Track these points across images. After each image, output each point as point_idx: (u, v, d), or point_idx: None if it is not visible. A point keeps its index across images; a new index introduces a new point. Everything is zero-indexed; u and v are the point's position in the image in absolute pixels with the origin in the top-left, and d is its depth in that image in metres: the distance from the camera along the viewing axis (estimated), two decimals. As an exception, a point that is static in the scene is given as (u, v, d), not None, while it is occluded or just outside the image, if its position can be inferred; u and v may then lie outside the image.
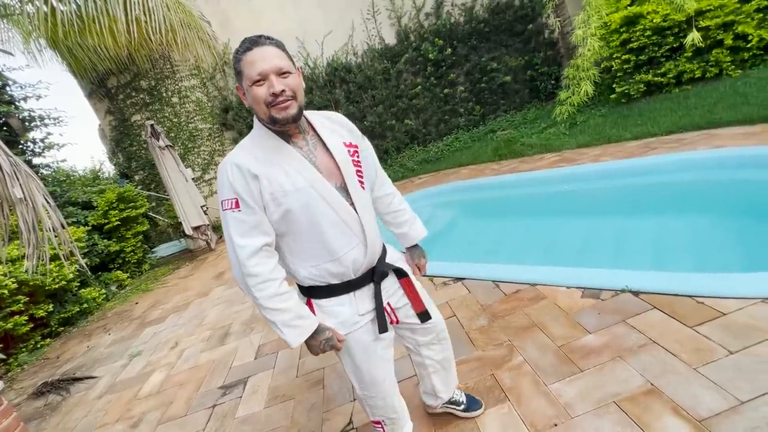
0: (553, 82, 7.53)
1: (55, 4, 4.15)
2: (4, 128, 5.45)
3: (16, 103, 5.83)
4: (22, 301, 4.02)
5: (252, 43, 0.99)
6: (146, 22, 4.14)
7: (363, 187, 1.16)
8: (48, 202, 1.79)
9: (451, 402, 1.62)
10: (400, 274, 1.29)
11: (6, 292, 3.82)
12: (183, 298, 4.57)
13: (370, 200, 1.20)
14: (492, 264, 2.75)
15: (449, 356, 1.53)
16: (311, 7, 7.60)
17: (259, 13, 7.56)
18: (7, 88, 5.80)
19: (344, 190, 1.11)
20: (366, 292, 1.20)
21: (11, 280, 3.89)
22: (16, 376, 3.77)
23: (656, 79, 5.42)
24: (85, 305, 4.94)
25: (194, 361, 2.96)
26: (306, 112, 1.14)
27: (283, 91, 0.99)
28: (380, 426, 1.37)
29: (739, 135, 3.66)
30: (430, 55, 7.45)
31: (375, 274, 1.20)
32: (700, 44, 4.80)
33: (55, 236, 1.91)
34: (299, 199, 1.03)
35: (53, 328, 4.53)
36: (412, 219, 1.43)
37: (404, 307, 1.32)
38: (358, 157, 1.16)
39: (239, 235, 1.03)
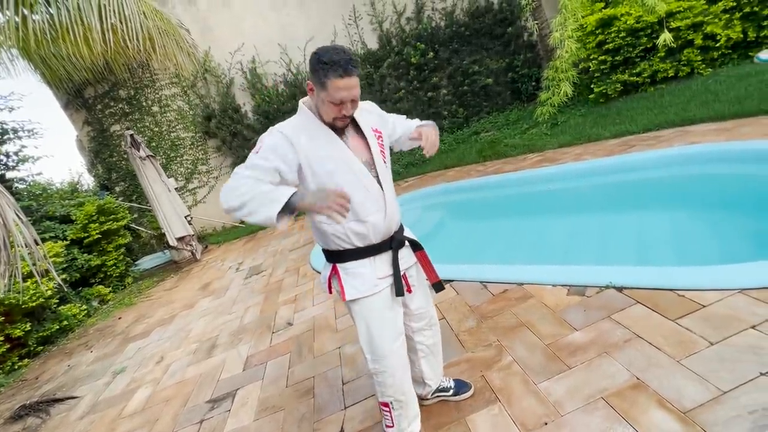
0: (533, 83, 7.68)
1: (26, 13, 4.03)
2: (-25, 142, 5.27)
3: (-12, 116, 5.64)
4: (-3, 321, 3.87)
5: (345, 71, 1.12)
6: (123, 30, 4.06)
7: (385, 163, 1.36)
8: (20, 218, 1.73)
9: (440, 390, 1.69)
10: (416, 247, 1.45)
11: (-20, 312, 3.67)
12: (168, 311, 4.46)
13: (391, 176, 1.40)
14: (479, 265, 2.77)
15: (438, 341, 1.65)
16: (293, 13, 7.59)
17: (240, 20, 7.52)
18: (-22, 101, 5.61)
19: (370, 164, 1.32)
20: (385, 258, 1.36)
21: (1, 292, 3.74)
22: (-8, 400, 3.61)
23: (632, 78, 5.57)
24: (65, 322, 4.77)
25: (180, 375, 2.89)
26: None
27: (351, 114, 1.23)
28: (388, 410, 1.43)
29: (711, 131, 3.79)
30: (413, 59, 7.52)
31: (393, 242, 1.36)
32: (672, 44, 4.97)
33: (29, 253, 1.84)
34: (334, 165, 1.24)
35: (31, 348, 4.36)
36: (417, 121, 1.58)
37: (414, 283, 1.47)
38: (382, 140, 1.38)
39: (245, 167, 1.18)
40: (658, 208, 3.33)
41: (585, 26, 5.69)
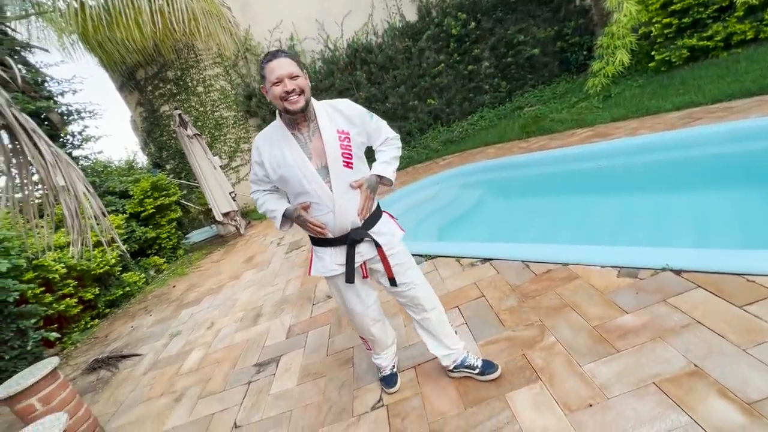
0: (585, 52, 7.12)
1: (83, -2, 4.26)
2: (45, 123, 5.76)
3: (55, 99, 6.12)
4: (71, 285, 4.31)
5: (272, 56, 1.36)
6: (170, 12, 4.19)
7: (350, 167, 1.46)
8: (88, 190, 1.89)
9: (465, 366, 1.75)
10: (377, 244, 1.58)
11: (57, 276, 4.10)
12: (216, 281, 4.76)
13: (353, 177, 1.48)
14: (521, 244, 2.68)
15: (429, 319, 1.72)
16: (330, -13, 7.46)
17: (279, -3, 7.50)
18: (46, 84, 6.08)
19: (326, 169, 1.44)
20: (342, 249, 1.55)
21: (61, 265, 4.16)
22: (70, 353, 4.08)
23: (701, 43, 5.00)
24: (128, 288, 5.24)
25: (229, 340, 3.09)
26: (317, 102, 1.48)
27: (293, 89, 1.35)
28: (365, 341, 1.89)
29: (797, 100, 3.35)
30: (453, 31, 7.20)
31: (348, 238, 1.53)
32: (754, 1, 4.37)
33: (97, 224, 2.01)
34: (287, 171, 1.45)
35: (100, 310, 4.85)
36: (381, 158, 1.62)
37: (379, 268, 1.62)
38: (348, 142, 1.46)
39: (252, 180, 1.66)
40: (723, 188, 3.03)
41: (648, -15, 5.13)
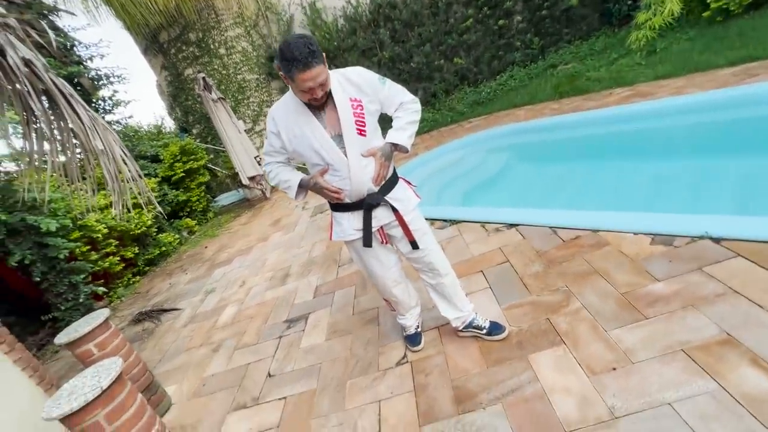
0: (629, 2, 6.48)
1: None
2: (78, 88, 5.91)
3: (84, 63, 6.23)
4: (113, 244, 4.60)
5: (305, 66, 1.28)
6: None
7: (363, 134, 1.48)
8: (125, 153, 1.96)
9: (473, 326, 1.84)
10: (395, 209, 1.61)
11: (100, 236, 4.37)
12: (246, 243, 4.95)
13: (369, 145, 1.51)
14: (549, 210, 2.62)
15: (443, 283, 1.78)
16: (352, -65, 7.00)
17: (298, -51, 7.12)
18: (75, 49, 6.17)
19: (340, 137, 1.47)
20: (359, 214, 1.60)
21: (103, 225, 4.43)
22: (117, 306, 4.44)
23: (767, -13, 4.45)
24: (164, 248, 5.55)
25: (260, 298, 3.26)
26: (332, 72, 1.44)
27: (322, 96, 1.37)
28: (388, 303, 1.97)
29: None
30: (484, -19, 6.68)
31: (363, 204, 1.57)
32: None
33: (135, 185, 2.10)
34: (303, 141, 1.49)
35: (140, 268, 5.18)
36: (396, 125, 1.59)
37: (396, 234, 1.67)
38: (361, 110, 1.47)
39: (264, 152, 1.68)
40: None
41: None
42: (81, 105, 1.77)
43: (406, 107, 1.59)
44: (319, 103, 1.41)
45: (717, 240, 1.83)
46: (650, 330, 1.54)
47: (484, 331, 1.82)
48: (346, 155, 1.47)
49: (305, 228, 4.57)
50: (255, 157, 6.72)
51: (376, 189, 1.55)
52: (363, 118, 1.47)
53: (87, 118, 1.74)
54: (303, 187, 1.62)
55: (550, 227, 2.46)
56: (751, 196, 2.38)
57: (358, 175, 1.50)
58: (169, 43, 7.92)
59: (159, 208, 2.72)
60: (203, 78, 6.22)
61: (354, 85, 1.48)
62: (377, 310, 2.42)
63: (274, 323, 2.77)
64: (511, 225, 2.69)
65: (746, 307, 1.46)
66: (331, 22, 7.39)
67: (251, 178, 6.70)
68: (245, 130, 7.56)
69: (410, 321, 1.96)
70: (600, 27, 6.91)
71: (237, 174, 6.78)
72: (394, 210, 1.60)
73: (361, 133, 1.47)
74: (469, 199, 4.00)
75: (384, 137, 1.59)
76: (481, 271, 2.35)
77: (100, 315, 2.03)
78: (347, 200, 1.56)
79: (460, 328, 1.86)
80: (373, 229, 1.61)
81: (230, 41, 7.85)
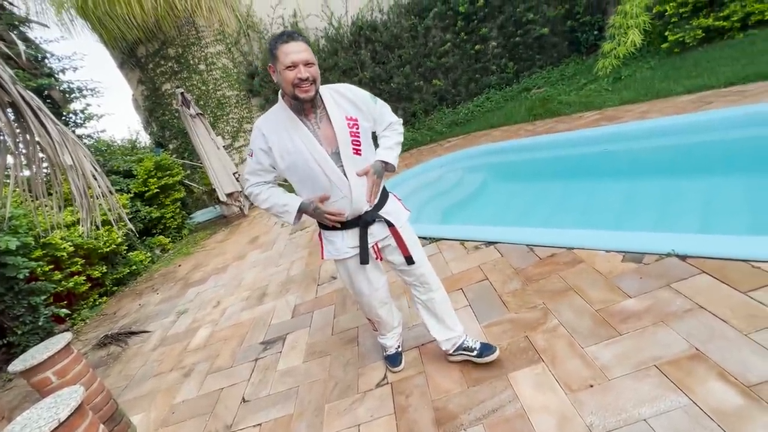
0: (596, 32, 6.92)
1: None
2: (48, 101, 5.70)
3: (56, 76, 6.04)
4: (79, 263, 4.37)
5: (289, 37, 1.29)
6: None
7: (359, 154, 1.45)
8: (95, 169, 1.89)
9: (464, 348, 1.77)
10: (390, 223, 1.59)
11: (65, 254, 4.15)
12: (222, 261, 4.81)
13: (362, 164, 1.47)
14: (526, 228, 2.68)
15: (434, 299, 1.74)
16: (334, -40, 7.22)
17: (281, -29, 7.27)
18: (46, 61, 5.99)
19: (338, 154, 1.43)
20: (354, 232, 1.56)
21: (68, 243, 4.21)
22: (80, 329, 4.18)
23: (718, 23, 4.86)
24: (134, 267, 5.31)
25: (236, 318, 3.15)
26: (321, 87, 1.43)
27: (307, 77, 1.31)
28: (371, 323, 1.93)
29: (813, 84, 3.27)
30: (461, 8, 7.00)
31: (360, 221, 1.53)
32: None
33: (105, 202, 2.02)
34: (298, 157, 1.41)
35: (108, 288, 4.93)
36: (384, 144, 1.60)
37: (389, 249, 1.64)
38: (357, 129, 1.44)
39: (247, 171, 1.56)
40: (731, 173, 3.00)
41: (665, -39, 4.94)
42: (50, 119, 1.70)
43: (393, 127, 1.60)
44: (307, 94, 1.32)
45: (683, 257, 1.91)
46: (624, 346, 1.57)
47: (475, 353, 1.74)
48: (345, 174, 1.43)
49: (284, 246, 4.49)
50: (233, 174, 6.62)
51: (371, 206, 1.53)
52: (359, 137, 1.45)
53: (56, 133, 1.67)
54: (300, 212, 1.52)
55: (527, 245, 2.51)
56: (712, 215, 2.52)
57: (358, 193, 1.46)
58: (147, 57, 7.82)
59: (130, 225, 2.60)
60: (182, 93, 6.14)
61: (349, 102, 1.46)
62: (357, 330, 2.38)
63: (250, 345, 2.68)
64: (490, 243, 2.73)
65: (712, 322, 1.52)
66: (313, 43, 7.50)
67: (229, 195, 6.58)
68: (224, 146, 7.46)
69: (391, 341, 1.93)
70: (570, 54, 7.32)
71: (214, 190, 6.65)
72: (389, 224, 1.58)
73: (357, 152, 1.45)
74: (449, 217, 4.05)
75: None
76: (461, 289, 2.36)
77: (61, 339, 1.90)
78: (343, 218, 1.51)
79: (451, 351, 1.78)
80: (368, 246, 1.57)
81: (210, 57, 7.82)
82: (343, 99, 1.45)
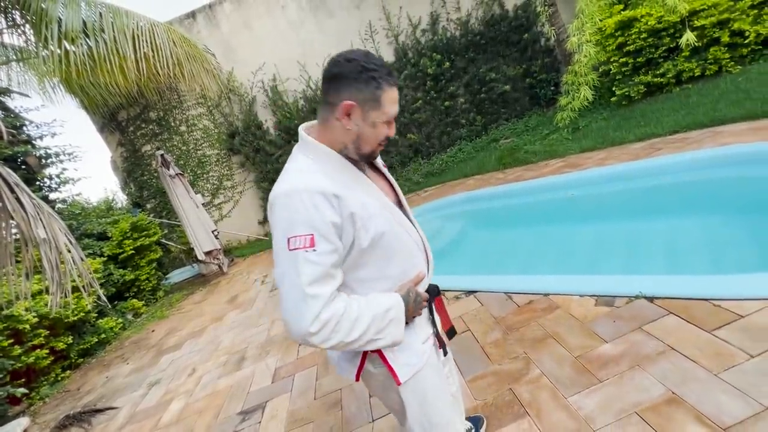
0: (552, 88, 7.59)
1: (68, 46, 4.34)
2: (23, 167, 5.66)
3: (33, 142, 6.06)
4: (42, 335, 4.10)
5: (393, 79, 0.91)
6: (154, 58, 4.31)
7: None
8: (69, 241, 1.87)
9: None
10: (437, 292, 1.14)
11: (27, 326, 3.90)
12: (198, 324, 4.61)
13: None
14: (503, 275, 2.76)
15: (459, 387, 1.41)
16: (311, 31, 7.83)
17: (261, 40, 7.81)
18: (24, 128, 6.04)
19: (401, 207, 1.08)
20: (422, 316, 1.08)
21: (32, 314, 3.97)
22: (38, 410, 3.81)
23: (656, 79, 5.44)
24: (103, 335, 5.00)
25: (212, 387, 2.98)
26: None
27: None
28: None
29: (744, 131, 3.64)
30: (429, 70, 7.59)
31: (431, 292, 1.09)
32: (696, 44, 4.83)
33: (77, 272, 1.98)
34: (384, 221, 0.94)
35: (73, 360, 4.59)
36: None
37: None
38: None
39: (311, 282, 0.83)
40: (688, 214, 3.23)
41: (604, 29, 5.60)
42: (26, 194, 1.71)
43: None
44: (377, 155, 1.01)
45: (651, 299, 1.99)
46: (605, 393, 1.58)
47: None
48: (416, 227, 1.08)
49: (264, 304, 4.38)
50: (213, 231, 6.56)
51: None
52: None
53: (31, 207, 1.67)
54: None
55: (506, 293, 2.56)
56: (675, 255, 2.67)
57: (430, 251, 1.12)
58: (128, 121, 7.99)
59: (101, 293, 2.52)
60: (162, 155, 6.23)
61: None
62: (340, 392, 2.29)
63: (227, 416, 2.52)
64: (470, 292, 2.77)
65: (683, 364, 1.57)
66: (292, 103, 7.89)
67: (207, 253, 6.47)
68: (203, 204, 7.46)
69: None
70: (531, 107, 7.94)
71: (192, 249, 6.53)
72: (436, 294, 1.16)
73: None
74: (429, 266, 4.10)
75: None
76: (444, 342, 2.34)
77: (16, 426, 1.75)
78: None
79: None
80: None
81: (192, 119, 8.07)
82: None
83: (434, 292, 1.12)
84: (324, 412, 2.18)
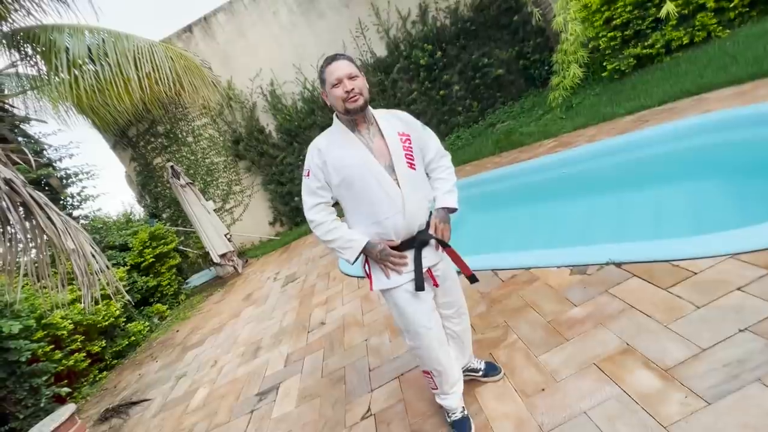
0: (546, 68, 7.58)
1: (77, 73, 4.65)
2: (46, 188, 6.07)
3: (54, 165, 6.47)
4: (78, 340, 4.48)
5: (331, 59, 1.41)
6: (155, 75, 4.58)
7: (413, 168, 1.47)
8: (95, 249, 2.15)
9: (470, 369, 1.83)
10: (444, 244, 1.52)
11: (65, 333, 4.28)
12: (218, 322, 4.93)
13: (420, 179, 1.52)
14: (490, 254, 2.93)
15: (466, 328, 1.77)
16: (303, 34, 8.01)
17: (256, 47, 8.03)
18: (45, 152, 6.45)
19: (391, 168, 1.43)
20: (408, 255, 1.48)
21: (68, 321, 4.35)
22: (82, 407, 4.20)
23: (645, 51, 5.44)
24: (133, 338, 5.39)
25: (232, 375, 3.27)
26: (374, 110, 1.52)
27: (352, 89, 1.37)
28: (430, 377, 1.64)
29: (729, 96, 3.69)
30: (422, 61, 7.69)
31: (415, 242, 1.48)
32: (683, 12, 4.83)
33: (104, 278, 2.25)
34: (353, 170, 1.41)
35: (108, 362, 4.99)
36: (444, 188, 1.57)
37: (442, 277, 1.59)
38: (409, 144, 1.48)
39: (305, 194, 1.51)
40: (668, 183, 3.33)
41: (589, 5, 5.62)
42: (54, 212, 1.99)
43: (445, 164, 1.61)
44: (356, 105, 1.37)
45: (619, 264, 2.16)
46: (570, 350, 1.77)
47: (480, 373, 1.81)
48: (399, 186, 1.42)
49: (276, 299, 4.66)
50: (225, 235, 6.89)
51: (425, 224, 1.50)
52: (411, 152, 1.46)
53: (60, 223, 1.95)
54: (364, 251, 1.47)
55: (492, 270, 2.75)
56: (648, 224, 2.80)
57: (412, 208, 1.43)
58: (138, 136, 8.37)
59: (128, 297, 2.81)
60: (171, 166, 6.56)
61: (401, 120, 1.51)
62: (344, 369, 2.53)
63: (246, 398, 2.79)
64: (459, 272, 2.96)
65: (639, 319, 1.74)
66: (291, 106, 8.12)
67: (222, 256, 6.80)
68: (215, 210, 7.81)
69: (455, 401, 1.65)
70: (527, 88, 7.96)
71: (208, 253, 6.88)
72: (443, 246, 1.52)
73: (411, 165, 1.45)
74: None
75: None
76: (435, 318, 2.55)
77: (66, 410, 2.05)
78: (395, 239, 1.46)
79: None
80: (423, 270, 1.48)
81: (197, 130, 8.39)
82: (395, 118, 1.52)
83: (422, 243, 1.49)
84: (330, 387, 2.42)
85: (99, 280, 2.18)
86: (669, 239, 2.11)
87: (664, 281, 1.88)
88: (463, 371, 1.83)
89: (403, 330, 1.61)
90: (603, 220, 3.32)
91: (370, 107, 1.47)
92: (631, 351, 1.61)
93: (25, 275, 2.49)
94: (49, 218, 1.92)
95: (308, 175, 1.49)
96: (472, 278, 1.61)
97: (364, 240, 1.46)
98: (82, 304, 2.26)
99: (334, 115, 1.51)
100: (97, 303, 2.45)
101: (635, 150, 3.77)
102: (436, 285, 1.58)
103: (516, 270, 2.61)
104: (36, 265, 2.38)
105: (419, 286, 1.46)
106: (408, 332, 1.58)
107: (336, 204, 1.56)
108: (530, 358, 1.84)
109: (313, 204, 1.49)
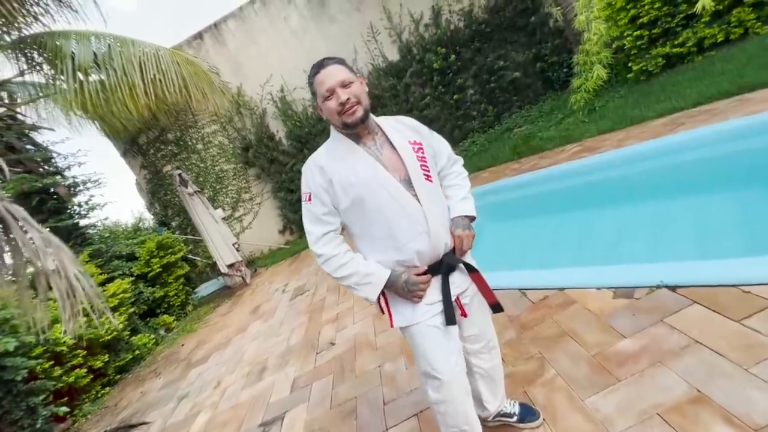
0: (565, 70, 7.29)
1: (82, 78, 4.56)
2: (54, 197, 6.01)
3: (62, 173, 6.42)
4: (80, 355, 4.32)
5: (318, 66, 1.20)
6: (161, 82, 4.46)
7: (429, 180, 1.26)
8: (79, 271, 1.96)
9: (502, 414, 1.58)
10: (470, 269, 1.33)
11: (65, 348, 4.12)
12: (224, 336, 4.73)
13: (438, 193, 1.31)
14: (516, 271, 2.65)
15: (497, 365, 1.53)
16: (314, 39, 7.89)
17: (267, 53, 7.93)
18: (53, 161, 6.41)
19: (408, 182, 1.22)
20: (433, 284, 1.26)
21: (69, 336, 4.19)
22: (81, 427, 4.03)
23: (675, 50, 5.12)
24: (137, 352, 5.23)
25: (235, 399, 3.04)
26: (377, 117, 1.32)
27: (348, 99, 1.17)
28: None
29: (775, 96, 3.37)
30: (435, 65, 7.48)
31: (442, 266, 1.25)
32: (718, 7, 4.50)
33: (86, 297, 2.06)
34: (364, 188, 1.19)
35: (111, 377, 4.82)
36: (459, 195, 1.40)
37: (471, 305, 1.38)
38: (422, 153, 1.28)
39: (308, 222, 1.28)
40: (713, 194, 3.00)
41: (614, 3, 5.34)
42: (34, 228, 1.81)
43: (458, 170, 1.45)
44: (353, 118, 1.17)
45: (673, 288, 1.86)
46: (624, 394, 1.49)
47: (515, 419, 1.55)
48: (420, 203, 1.21)
49: (284, 313, 4.43)
50: (233, 244, 6.73)
51: (451, 245, 1.28)
52: (426, 162, 1.27)
53: (39, 240, 1.77)
54: (387, 286, 1.24)
55: (519, 289, 2.47)
56: (700, 238, 2.48)
57: (435, 227, 1.21)
58: (148, 144, 8.32)
59: (113, 321, 2.60)
60: (179, 174, 6.45)
61: (409, 127, 1.32)
62: (355, 401, 2.27)
63: (248, 428, 2.56)
64: (483, 290, 2.68)
65: (709, 358, 1.45)
66: (301, 112, 7.97)
67: (230, 266, 6.64)
68: (224, 218, 7.68)
69: None
70: (545, 92, 7.66)
71: (216, 263, 6.72)
72: (470, 270, 1.32)
73: (428, 178, 1.25)
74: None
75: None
76: (457, 344, 2.28)
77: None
78: (419, 265, 1.24)
79: (491, 418, 1.57)
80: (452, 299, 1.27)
81: (207, 137, 8.31)
82: (401, 125, 1.32)
83: (450, 267, 1.28)
84: (339, 421, 2.17)
85: (81, 300, 1.99)
86: (736, 258, 1.81)
87: (734, 311, 1.58)
88: (493, 418, 1.57)
89: (423, 377, 1.34)
90: (638, 234, 3.01)
91: (372, 115, 1.26)
92: (705, 400, 1.32)
93: (21, 288, 2.32)
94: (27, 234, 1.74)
95: (309, 200, 1.25)
96: (497, 307, 1.38)
97: (385, 273, 1.23)
98: (63, 327, 2.06)
99: (331, 127, 1.29)
100: (99, 317, 2.24)
101: (672, 155, 3.45)
102: (464, 315, 1.36)
103: (547, 290, 2.33)
104: (31, 277, 2.20)
105: (450, 320, 1.25)
106: (432, 381, 1.30)
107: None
108: (574, 401, 1.56)
109: (321, 234, 1.25)
